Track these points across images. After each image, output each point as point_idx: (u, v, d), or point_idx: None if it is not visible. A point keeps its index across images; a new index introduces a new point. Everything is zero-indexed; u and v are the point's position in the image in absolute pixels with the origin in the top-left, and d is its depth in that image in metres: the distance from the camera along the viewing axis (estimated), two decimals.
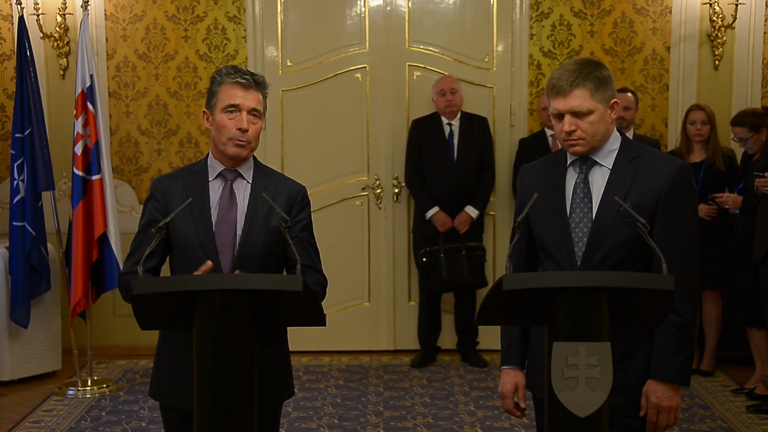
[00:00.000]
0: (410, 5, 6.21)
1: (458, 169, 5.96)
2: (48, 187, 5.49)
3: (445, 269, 5.87)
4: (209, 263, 2.61)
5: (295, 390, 2.98)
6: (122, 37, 6.19)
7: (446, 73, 6.11)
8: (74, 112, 5.49)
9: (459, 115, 6.00)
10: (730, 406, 5.16)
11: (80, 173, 5.43)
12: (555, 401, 2.24)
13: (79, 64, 5.48)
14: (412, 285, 6.32)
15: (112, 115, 6.22)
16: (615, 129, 2.70)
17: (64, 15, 6.04)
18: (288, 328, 2.83)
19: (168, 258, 2.85)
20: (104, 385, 5.50)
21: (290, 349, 2.90)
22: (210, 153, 2.83)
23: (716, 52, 6.15)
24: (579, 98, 2.58)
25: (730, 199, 5.40)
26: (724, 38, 6.12)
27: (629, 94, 5.65)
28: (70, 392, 5.42)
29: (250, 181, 2.80)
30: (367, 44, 6.23)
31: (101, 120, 5.49)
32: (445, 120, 6.00)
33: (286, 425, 4.86)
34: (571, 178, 2.69)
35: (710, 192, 5.53)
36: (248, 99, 2.72)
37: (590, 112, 2.59)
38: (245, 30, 6.20)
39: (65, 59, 6.13)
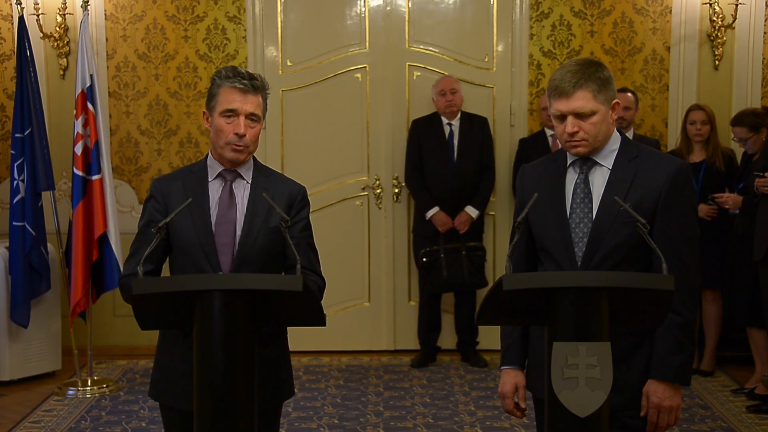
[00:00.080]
0: (410, 5, 6.21)
1: (458, 169, 5.96)
2: (48, 187, 5.49)
3: (445, 269, 5.87)
4: None
5: (295, 390, 2.98)
6: (122, 37, 6.19)
7: (446, 73, 6.11)
8: (74, 112, 5.49)
9: (459, 115, 6.00)
10: (730, 406, 5.16)
11: (80, 173, 5.43)
12: (555, 401, 2.25)
13: (79, 64, 5.48)
14: (412, 285, 6.32)
15: (112, 115, 6.22)
16: (615, 129, 2.70)
17: (64, 15, 6.05)
18: (288, 328, 2.83)
19: (168, 258, 2.85)
20: (104, 385, 5.50)
21: (290, 349, 2.90)
22: (209, 153, 2.83)
23: (716, 52, 6.15)
24: (582, 99, 2.58)
25: (730, 199, 5.40)
26: (724, 38, 6.12)
27: (629, 94, 5.65)
28: (70, 392, 5.42)
29: (250, 182, 2.80)
30: (367, 44, 6.23)
31: (101, 120, 5.49)
32: (445, 120, 6.00)
33: (286, 425, 4.86)
34: (572, 178, 2.69)
35: (710, 192, 5.53)
36: (246, 104, 2.71)
37: (593, 113, 2.59)
38: (245, 30, 6.20)
39: (65, 59, 6.13)
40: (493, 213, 6.27)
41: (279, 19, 6.21)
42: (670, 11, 6.16)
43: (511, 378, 2.77)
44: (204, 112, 2.80)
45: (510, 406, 2.78)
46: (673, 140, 6.10)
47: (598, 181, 2.66)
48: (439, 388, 5.56)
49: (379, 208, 6.28)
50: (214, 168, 2.81)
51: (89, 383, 5.48)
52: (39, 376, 5.71)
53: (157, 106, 6.25)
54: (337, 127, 6.26)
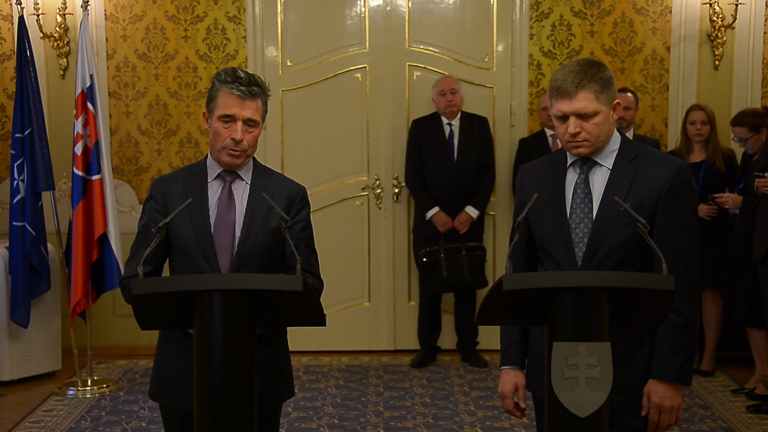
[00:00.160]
0: (410, 5, 6.21)
1: (458, 169, 5.96)
2: (48, 187, 5.49)
3: (445, 269, 5.87)
4: None
5: (295, 390, 2.98)
6: (122, 37, 6.19)
7: (446, 73, 6.11)
8: (74, 112, 5.49)
9: (459, 115, 6.00)
10: (730, 406, 5.16)
11: (80, 173, 5.43)
12: (555, 401, 2.24)
13: (79, 64, 5.48)
14: (412, 285, 6.32)
15: (112, 115, 6.22)
16: (615, 129, 2.70)
17: (64, 15, 6.05)
18: (288, 328, 2.83)
19: (168, 259, 2.85)
20: (104, 385, 5.50)
21: (290, 349, 2.90)
22: (209, 154, 2.83)
23: (716, 52, 6.15)
24: (585, 100, 2.57)
25: (730, 199, 5.40)
26: (724, 38, 6.12)
27: (629, 94, 5.65)
28: (70, 392, 5.42)
29: (249, 182, 2.80)
30: (367, 44, 6.23)
31: (101, 120, 5.49)
32: (445, 120, 6.00)
33: (286, 425, 4.86)
34: (572, 178, 2.69)
35: (710, 192, 5.53)
36: (244, 110, 2.70)
37: (595, 114, 2.59)
38: (245, 30, 6.20)
39: (65, 59, 6.13)
40: (493, 213, 6.27)
41: (279, 19, 6.21)
42: (670, 11, 6.16)
43: (510, 378, 2.77)
44: (204, 113, 2.80)
45: (510, 406, 2.78)
46: (673, 140, 6.10)
47: (599, 181, 2.66)
48: (439, 388, 5.56)
49: (379, 208, 6.28)
50: (213, 169, 2.80)
51: (89, 383, 5.48)
52: (39, 376, 5.71)
53: (157, 106, 6.25)
54: (337, 127, 6.26)
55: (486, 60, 6.24)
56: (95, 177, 5.43)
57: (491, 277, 6.09)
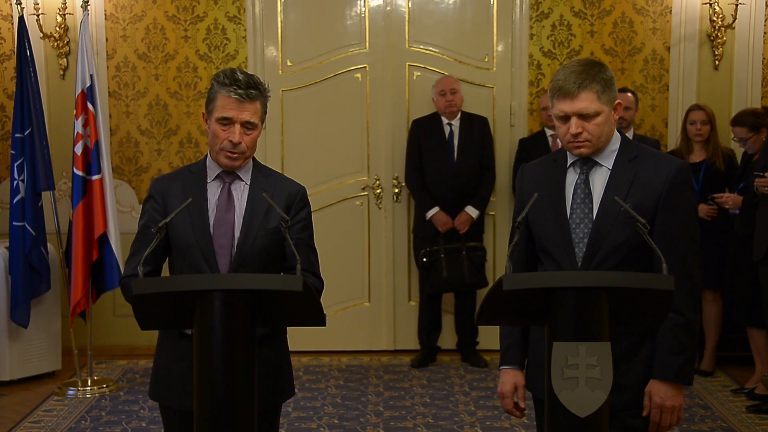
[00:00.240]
0: (410, 5, 6.21)
1: (458, 169, 5.96)
2: (48, 187, 5.49)
3: (445, 269, 5.87)
4: None
5: (295, 390, 2.98)
6: (122, 37, 6.19)
7: (446, 73, 6.11)
8: (74, 112, 5.49)
9: (459, 115, 6.00)
10: (730, 406, 5.16)
11: (80, 173, 5.43)
12: (555, 401, 2.24)
13: (79, 64, 5.48)
14: (412, 285, 6.32)
15: (112, 115, 6.22)
16: (615, 129, 2.70)
17: (64, 15, 6.05)
18: (288, 328, 2.83)
19: (168, 259, 2.85)
20: (104, 385, 5.50)
21: (290, 349, 2.90)
22: (208, 154, 2.82)
23: (716, 52, 6.15)
24: (587, 100, 2.57)
25: (730, 199, 5.40)
26: (724, 38, 6.12)
27: (629, 94, 5.65)
28: (70, 392, 5.42)
29: (248, 183, 2.79)
30: (367, 44, 6.22)
31: (101, 120, 5.49)
32: (445, 120, 6.00)
33: (286, 425, 4.86)
34: (572, 178, 2.68)
35: (710, 192, 5.53)
36: (242, 112, 2.69)
37: (597, 114, 2.59)
38: (245, 30, 6.20)
39: (65, 59, 6.13)
40: (493, 213, 6.27)
41: (279, 19, 6.21)
42: (670, 11, 6.16)
43: (510, 378, 2.77)
44: (203, 114, 2.80)
45: (509, 405, 2.78)
46: (673, 140, 6.10)
47: (599, 181, 2.66)
48: (439, 388, 5.56)
49: (379, 208, 6.28)
50: (212, 169, 2.80)
51: (89, 383, 5.48)
52: (39, 376, 5.71)
53: (157, 106, 6.25)
54: (337, 127, 6.26)
55: (486, 60, 6.24)
56: (95, 177, 5.43)
57: (491, 277, 6.09)
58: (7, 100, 6.16)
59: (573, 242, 2.63)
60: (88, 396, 5.39)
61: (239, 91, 2.68)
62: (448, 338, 6.24)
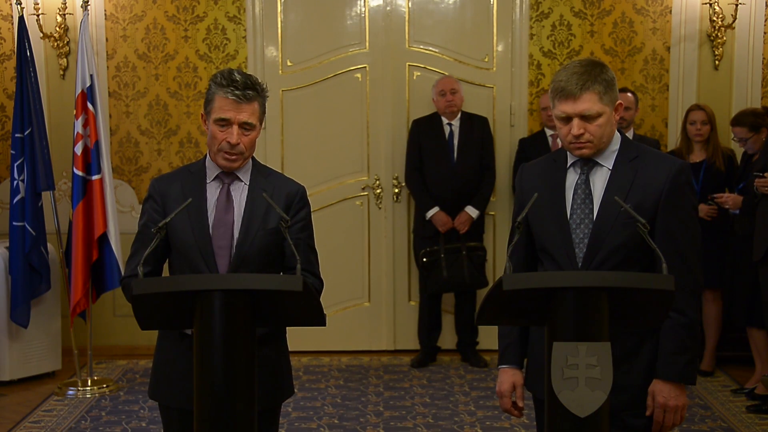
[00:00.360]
0: (410, 5, 6.21)
1: (458, 169, 5.96)
2: (48, 187, 5.49)
3: (445, 269, 5.87)
4: None
5: (295, 390, 2.99)
6: (122, 37, 6.19)
7: (446, 73, 6.11)
8: (74, 112, 5.49)
9: (459, 115, 6.00)
10: (730, 406, 5.16)
11: (80, 173, 5.43)
12: (555, 401, 2.24)
13: (79, 64, 5.48)
14: (412, 285, 6.32)
15: (112, 115, 6.22)
16: (616, 129, 2.70)
17: (64, 15, 6.05)
18: (288, 328, 2.83)
19: (167, 259, 2.85)
20: (104, 385, 5.50)
21: (290, 349, 2.90)
22: (208, 154, 2.82)
23: (716, 52, 6.15)
24: (589, 102, 2.57)
25: (730, 199, 5.40)
26: (724, 38, 6.12)
27: (629, 94, 5.65)
28: (70, 392, 5.42)
29: (248, 183, 2.79)
30: (367, 44, 6.23)
31: (101, 120, 5.49)
32: (445, 120, 6.00)
33: (286, 425, 4.86)
34: (572, 179, 2.68)
35: (710, 192, 5.53)
36: (240, 114, 2.68)
37: (599, 115, 2.59)
38: (245, 30, 6.20)
39: (65, 59, 6.13)
40: (493, 213, 6.27)
41: (279, 19, 6.21)
42: (670, 11, 6.16)
43: (508, 377, 2.77)
44: (202, 114, 2.79)
45: (507, 405, 2.77)
46: (673, 140, 6.10)
47: (599, 181, 2.65)
48: (439, 388, 5.56)
49: (379, 208, 6.28)
50: (212, 170, 2.80)
51: (89, 383, 5.48)
52: (39, 376, 5.71)
53: (157, 106, 6.25)
54: (337, 127, 6.26)
55: (486, 60, 6.24)
56: (95, 177, 5.43)
57: (491, 277, 6.09)
58: (7, 100, 6.16)
59: (573, 243, 2.63)
60: (88, 396, 5.40)
61: (236, 92, 2.67)
62: (448, 338, 6.24)
